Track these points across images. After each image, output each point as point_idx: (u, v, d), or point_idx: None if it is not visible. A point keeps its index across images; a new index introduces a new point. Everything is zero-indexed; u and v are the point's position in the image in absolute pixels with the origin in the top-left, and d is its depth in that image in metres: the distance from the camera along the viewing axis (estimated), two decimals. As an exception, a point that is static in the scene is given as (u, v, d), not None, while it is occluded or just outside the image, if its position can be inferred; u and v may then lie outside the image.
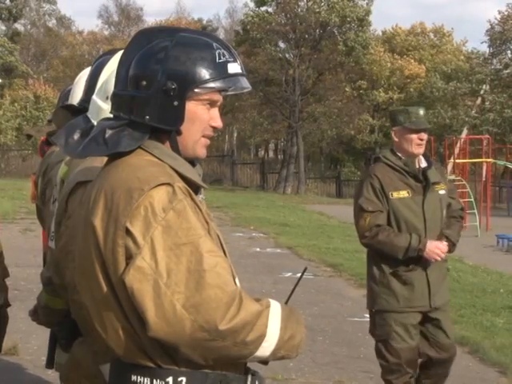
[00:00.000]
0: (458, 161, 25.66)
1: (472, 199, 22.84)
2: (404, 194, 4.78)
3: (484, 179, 27.48)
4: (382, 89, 46.73)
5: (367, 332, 8.30)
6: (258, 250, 15.44)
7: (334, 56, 40.07)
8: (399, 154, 4.88)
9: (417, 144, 4.82)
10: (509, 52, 40.54)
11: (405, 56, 48.17)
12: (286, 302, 2.26)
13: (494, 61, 41.06)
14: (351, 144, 47.55)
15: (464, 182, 23.49)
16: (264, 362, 2.17)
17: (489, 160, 25.98)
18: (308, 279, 11.54)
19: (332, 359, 7.11)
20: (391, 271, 4.78)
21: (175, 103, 2.15)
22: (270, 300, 2.16)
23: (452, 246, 4.89)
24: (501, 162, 30.66)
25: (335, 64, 40.81)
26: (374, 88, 46.46)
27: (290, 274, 11.47)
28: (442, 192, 4.89)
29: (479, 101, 41.82)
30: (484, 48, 44.79)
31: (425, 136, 4.87)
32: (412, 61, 47.74)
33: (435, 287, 4.81)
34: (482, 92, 41.46)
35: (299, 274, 2.38)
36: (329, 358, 7.13)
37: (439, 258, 4.74)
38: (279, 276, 11.58)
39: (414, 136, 4.82)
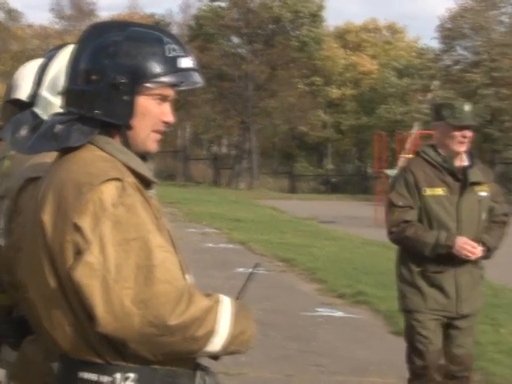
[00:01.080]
0: (409, 156, 25.89)
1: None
2: (439, 191, 4.54)
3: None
4: (335, 85, 46.97)
5: (319, 326, 8.38)
6: (210, 245, 15.43)
7: (287, 51, 40.20)
8: (439, 151, 4.61)
9: (459, 142, 4.54)
10: (458, 48, 41.04)
11: (358, 52, 48.50)
12: (237, 298, 2.27)
13: (445, 57, 41.55)
14: (304, 139, 47.72)
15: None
16: (214, 357, 2.17)
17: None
18: (261, 274, 11.57)
19: (283, 353, 7.14)
20: (419, 270, 4.56)
21: (125, 98, 2.14)
22: (221, 295, 2.16)
23: (487, 252, 4.56)
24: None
25: (288, 59, 40.95)
26: (327, 84, 46.67)
27: (242, 269, 11.49)
28: (482, 194, 4.61)
29: (430, 96, 42.27)
30: (435, 44, 45.24)
31: (469, 134, 4.56)
32: (365, 57, 48.10)
33: (464, 293, 4.55)
34: (432, 88, 41.92)
35: (251, 270, 2.38)
36: (280, 352, 7.16)
37: (470, 255, 4.44)
38: (232, 271, 11.59)
39: (457, 133, 4.53)
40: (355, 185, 44.04)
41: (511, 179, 39.29)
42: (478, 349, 7.03)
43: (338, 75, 47.07)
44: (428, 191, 4.53)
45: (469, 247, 4.43)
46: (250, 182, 41.05)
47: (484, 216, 4.61)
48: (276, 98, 41.78)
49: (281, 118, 42.45)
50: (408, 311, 4.64)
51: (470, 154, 4.67)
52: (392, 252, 16.43)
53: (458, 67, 41.10)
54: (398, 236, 4.58)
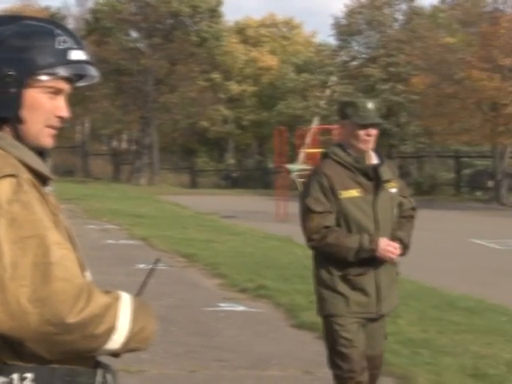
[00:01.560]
0: (309, 150, 26.21)
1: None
2: (354, 193, 4.45)
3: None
4: (235, 80, 47.10)
5: (221, 321, 8.41)
6: (111, 241, 15.27)
7: (186, 46, 40.09)
8: (348, 150, 4.53)
9: (364, 140, 4.47)
10: (355, 44, 41.75)
11: (258, 47, 48.75)
12: (137, 294, 2.25)
13: (342, 53, 42.21)
14: (205, 135, 47.70)
15: (315, 172, 24.02)
16: (114, 354, 2.15)
17: (338, 150, 26.68)
18: (162, 270, 11.52)
19: (186, 349, 7.13)
20: (340, 274, 4.46)
21: (12, 90, 2.11)
22: (120, 292, 2.14)
23: (404, 249, 4.58)
24: (349, 152, 31.61)
25: (188, 54, 40.84)
26: (227, 79, 46.76)
27: (143, 265, 11.41)
28: (393, 190, 4.59)
29: (328, 92, 42.88)
30: (332, 40, 45.85)
31: (373, 131, 4.50)
32: (265, 52, 48.40)
33: (384, 292, 4.53)
34: (330, 83, 42.53)
35: (151, 266, 2.37)
36: (182, 348, 7.15)
37: (394, 257, 4.45)
38: (133, 267, 11.50)
39: (362, 131, 4.46)
40: (256, 180, 44.30)
41: (408, 173, 40.27)
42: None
43: (238, 71, 47.22)
44: (343, 194, 4.44)
45: (391, 248, 4.42)
46: (151, 178, 40.77)
47: (395, 212, 4.61)
48: (176, 93, 41.61)
49: (181, 113, 42.31)
50: (329, 315, 4.53)
51: (378, 151, 4.64)
52: (293, 246, 16.67)
53: (355, 63, 41.81)
54: (319, 243, 4.46)
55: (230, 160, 48.17)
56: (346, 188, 4.45)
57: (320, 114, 40.29)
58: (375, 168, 4.53)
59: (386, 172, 4.57)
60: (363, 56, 41.53)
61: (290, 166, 25.14)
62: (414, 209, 4.76)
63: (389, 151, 40.00)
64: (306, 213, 4.51)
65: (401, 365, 6.56)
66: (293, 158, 29.35)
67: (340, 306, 4.46)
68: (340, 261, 4.45)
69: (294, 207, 24.84)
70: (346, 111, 4.52)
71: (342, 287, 4.46)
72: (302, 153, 27.40)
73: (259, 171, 46.19)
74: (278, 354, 6.97)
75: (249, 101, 47.45)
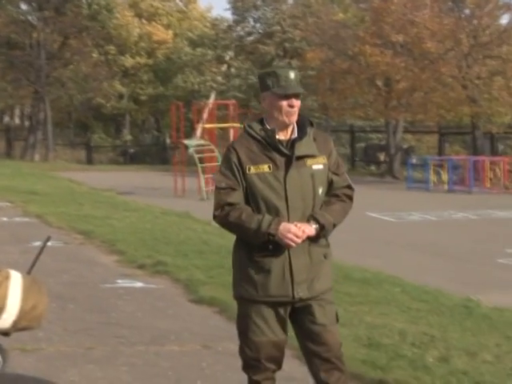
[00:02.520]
0: (206, 125, 26.16)
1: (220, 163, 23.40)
2: (264, 168, 4.16)
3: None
4: (129, 54, 46.46)
5: (119, 298, 8.33)
6: (4, 219, 14.91)
7: (79, 20, 39.25)
8: (267, 124, 4.25)
9: (287, 112, 4.18)
10: (251, 20, 41.77)
11: (152, 22, 48.18)
12: (29, 272, 2.18)
13: (238, 28, 42.18)
14: (100, 110, 46.97)
15: (212, 147, 24.02)
16: (5, 333, 2.09)
17: (235, 125, 26.74)
18: (58, 247, 11.33)
19: (83, 326, 7.03)
20: (247, 255, 4.19)
21: None
22: (10, 270, 2.08)
23: (321, 230, 4.17)
24: (246, 127, 31.68)
25: (80, 28, 40.00)
26: (122, 53, 46.09)
27: (38, 243, 11.17)
28: (316, 167, 4.22)
29: (225, 67, 42.82)
30: (228, 15, 45.79)
31: (296, 102, 4.20)
32: (159, 26, 47.88)
33: (300, 276, 4.16)
34: (227, 58, 42.48)
35: (41, 243, 2.30)
36: (80, 326, 7.05)
37: (293, 244, 4.07)
38: (27, 245, 11.26)
39: (284, 102, 4.17)
40: (154, 155, 43.97)
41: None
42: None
43: (133, 44, 46.58)
44: (252, 169, 4.17)
45: (291, 236, 4.05)
46: (45, 154, 39.93)
47: (321, 191, 4.23)
48: (69, 67, 40.75)
49: (75, 88, 41.50)
50: (240, 299, 4.26)
51: (303, 124, 4.29)
52: (191, 221, 16.64)
53: (251, 38, 41.85)
54: (221, 220, 4.22)
55: (127, 136, 47.60)
56: (256, 163, 4.17)
57: (217, 89, 40.27)
58: (293, 142, 4.21)
59: (306, 147, 4.22)
60: (259, 32, 41.59)
61: (187, 142, 25.04)
62: (349, 187, 4.37)
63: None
64: (215, 189, 4.31)
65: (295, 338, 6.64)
66: (190, 134, 29.25)
67: (249, 290, 4.18)
68: (246, 240, 4.18)
69: (192, 183, 25.00)
70: (266, 82, 4.23)
71: (249, 269, 4.18)
72: (199, 128, 27.31)
73: (156, 147, 45.84)
74: (176, 330, 6.96)
75: (144, 75, 46.92)
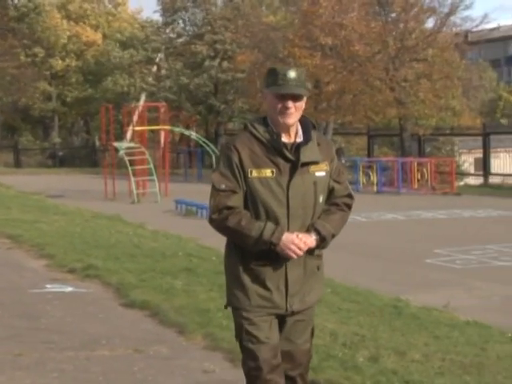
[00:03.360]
0: (136, 128, 25.98)
1: (151, 166, 23.29)
2: (267, 172, 3.91)
3: (162, 146, 28.11)
4: (58, 56, 45.80)
5: (49, 303, 8.20)
6: None
7: (6, 21, 38.55)
8: (271, 125, 4.00)
9: (282, 113, 3.93)
10: (181, 21, 41.59)
11: (81, 23, 47.59)
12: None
13: (168, 30, 41.96)
14: (28, 112, 46.18)
15: (143, 149, 23.87)
16: None
17: (166, 127, 26.62)
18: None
19: (11, 332, 6.91)
20: (242, 262, 3.98)
21: None
22: None
23: (322, 242, 4.00)
24: (177, 129, 31.56)
25: (7, 29, 39.29)
26: (51, 55, 45.40)
27: (-35, 248, 10.92)
28: (319, 174, 4.00)
29: (155, 68, 42.56)
30: (158, 17, 45.47)
31: (292, 104, 3.92)
32: (88, 28, 47.33)
33: (294, 288, 3.99)
34: (157, 60, 42.23)
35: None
36: (8, 332, 6.92)
37: (294, 256, 3.89)
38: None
39: (279, 103, 3.93)
40: (83, 158, 43.45)
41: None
42: (207, 315, 7.25)
43: (62, 46, 45.93)
44: (254, 173, 3.91)
45: (294, 247, 3.87)
46: (-28, 158, 39.12)
47: (322, 199, 4.04)
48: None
49: (2, 90, 40.74)
50: (234, 308, 4.06)
51: (307, 127, 4.04)
52: (122, 224, 16.49)
53: (181, 40, 41.69)
54: (219, 225, 3.94)
55: (56, 138, 46.89)
56: (259, 166, 3.91)
57: (147, 90, 39.99)
58: (297, 146, 3.96)
59: (311, 152, 3.98)
60: (189, 33, 41.47)
61: (117, 144, 24.83)
62: (349, 196, 4.17)
63: (217, 128, 40.32)
64: (211, 189, 4.00)
65: (229, 339, 6.65)
66: (120, 136, 28.99)
67: (242, 299, 3.99)
68: (242, 247, 3.98)
69: (122, 185, 24.76)
70: (267, 79, 4.00)
71: (244, 277, 3.98)
72: (130, 130, 27.10)
73: (86, 149, 45.28)
74: (107, 334, 6.88)
75: (73, 77, 46.32)
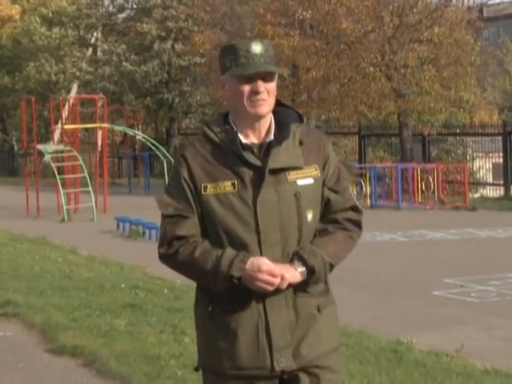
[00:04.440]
0: (66, 126, 25.89)
1: (86, 174, 23.20)
2: (226, 186, 3.66)
3: (100, 149, 28.05)
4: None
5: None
6: None
7: None
8: (232, 121, 3.77)
9: (251, 100, 3.68)
10: (125, -8, 41.62)
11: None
12: None
13: (106, 2, 41.90)
14: None
15: (75, 154, 23.77)
16: None
17: (104, 125, 26.56)
18: None
19: None
20: (208, 310, 3.72)
21: None
22: None
23: (311, 275, 3.66)
24: (119, 128, 31.49)
25: None
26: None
27: None
28: (303, 182, 3.72)
29: (90, 51, 42.46)
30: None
31: (263, 86, 3.69)
32: (3, 0, 47.13)
33: (281, 339, 3.66)
34: (92, 41, 42.13)
35: None
36: None
37: (268, 287, 3.57)
38: None
39: (246, 87, 3.68)
40: (-1, 165, 43.31)
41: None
42: (158, 364, 7.22)
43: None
44: (210, 188, 3.68)
45: (264, 276, 3.55)
46: None
47: (311, 216, 3.73)
48: None
49: None
50: (203, 371, 3.81)
51: (283, 120, 3.79)
52: (49, 249, 16.40)
53: (123, 15, 41.65)
54: (169, 260, 3.73)
55: (-36, 140, 46.67)
56: (215, 179, 3.67)
57: (81, 79, 39.92)
58: (268, 147, 3.71)
59: (286, 154, 3.71)
60: (134, 7, 41.46)
61: (42, 147, 24.73)
62: (354, 209, 3.87)
63: (169, 126, 40.28)
64: (161, 216, 3.78)
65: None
66: (46, 137, 28.88)
67: (212, 359, 3.73)
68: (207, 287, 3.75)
69: (48, 199, 24.64)
70: (224, 62, 3.75)
71: (211, 329, 3.73)
72: (58, 130, 27.02)
73: (2, 154, 45.10)
74: (30, 389, 6.83)
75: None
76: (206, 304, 3.74)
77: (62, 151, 24.41)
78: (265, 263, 3.57)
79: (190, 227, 3.72)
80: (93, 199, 22.43)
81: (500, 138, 29.33)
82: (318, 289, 3.77)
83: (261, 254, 3.62)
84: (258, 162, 3.68)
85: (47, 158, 23.92)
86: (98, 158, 27.24)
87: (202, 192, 3.69)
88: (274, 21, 30.12)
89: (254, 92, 3.68)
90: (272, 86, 3.72)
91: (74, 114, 26.84)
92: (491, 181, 30.87)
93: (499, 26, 60.08)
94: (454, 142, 32.76)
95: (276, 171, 3.67)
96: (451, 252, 16.18)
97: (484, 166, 31.67)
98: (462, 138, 32.30)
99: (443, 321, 10.29)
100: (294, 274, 3.62)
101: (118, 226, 19.26)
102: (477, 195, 28.90)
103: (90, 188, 22.63)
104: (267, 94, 3.70)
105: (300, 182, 3.71)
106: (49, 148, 24.74)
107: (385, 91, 29.38)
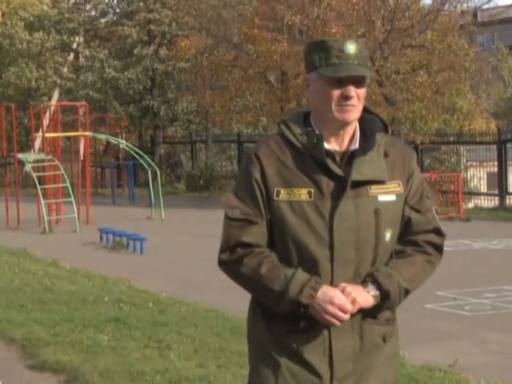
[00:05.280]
0: (47, 135, 25.85)
1: (68, 184, 23.16)
2: (301, 194, 3.45)
3: (82, 158, 27.99)
4: None
5: None
6: None
7: None
8: (314, 123, 3.57)
9: (340, 106, 3.47)
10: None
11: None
12: None
13: (88, 6, 41.86)
14: None
15: (57, 163, 23.74)
16: None
17: (87, 133, 26.52)
18: None
19: None
20: (267, 326, 3.55)
21: None
22: None
23: (385, 300, 3.48)
24: (102, 136, 31.47)
25: None
26: None
27: None
28: (385, 198, 3.52)
29: (72, 57, 42.42)
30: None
31: (355, 92, 3.50)
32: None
33: (344, 368, 3.51)
34: (74, 46, 42.10)
35: None
36: None
37: (336, 323, 3.40)
38: None
39: (335, 91, 3.47)
40: (-23, 174, 43.14)
41: (178, 163, 40.59)
42: (142, 380, 7.21)
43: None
44: (283, 194, 3.47)
45: (334, 310, 3.38)
46: None
47: (389, 236, 3.53)
48: None
49: None
50: None
51: (368, 128, 3.61)
52: (29, 261, 16.39)
53: (105, 19, 41.64)
54: (230, 269, 3.55)
55: None
56: (290, 185, 3.47)
57: (62, 86, 39.86)
58: (351, 157, 3.52)
59: (370, 166, 3.51)
60: (117, 11, 41.47)
61: (22, 156, 24.69)
62: (437, 232, 3.65)
63: (154, 134, 40.22)
64: (224, 217, 3.61)
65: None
66: (26, 145, 28.83)
67: (268, 378, 3.54)
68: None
69: (29, 210, 24.55)
70: (312, 58, 3.53)
71: (271, 348, 3.54)
72: (39, 138, 26.96)
73: (-19, 163, 44.92)
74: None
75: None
76: (266, 320, 3.56)
77: (43, 160, 24.37)
78: (337, 296, 3.38)
79: (257, 234, 3.51)
80: (75, 210, 22.38)
81: (495, 146, 29.37)
82: (385, 316, 3.60)
83: (332, 273, 3.45)
84: (340, 172, 3.47)
85: (28, 167, 23.89)
86: (80, 168, 27.18)
87: (275, 197, 3.48)
88: (261, 25, 30.13)
89: (345, 97, 3.48)
90: (363, 91, 3.54)
91: (55, 122, 26.79)
92: (485, 190, 30.89)
93: (494, 31, 60.28)
94: (448, 150, 32.81)
95: (358, 184, 3.47)
96: (444, 264, 16.05)
97: (478, 175, 31.71)
98: (456, 146, 32.34)
99: (436, 335, 10.31)
100: (366, 297, 3.44)
101: (101, 238, 19.23)
102: (471, 205, 28.93)
103: (72, 198, 22.58)
104: (357, 99, 3.52)
105: (381, 198, 3.52)
106: (29, 157, 24.71)
107: (375, 98, 29.41)
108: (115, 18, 40.99)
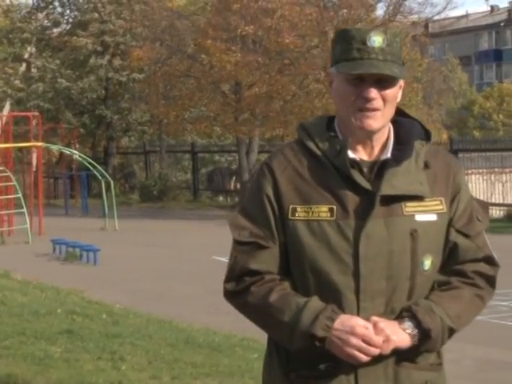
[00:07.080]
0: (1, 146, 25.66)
1: (20, 195, 22.99)
2: (321, 212, 2.94)
3: (35, 169, 27.81)
4: None
5: None
6: None
7: None
8: (337, 128, 3.08)
9: (359, 110, 2.96)
10: (58, 5, 41.34)
11: None
12: None
13: (41, 16, 41.63)
14: None
15: (9, 174, 23.56)
16: None
17: (39, 144, 26.36)
18: None
19: None
20: (283, 370, 3.03)
21: None
22: None
23: (425, 340, 2.91)
24: (54, 147, 31.29)
25: None
26: None
27: None
28: (423, 218, 2.97)
29: (24, 67, 42.18)
30: (28, 0, 45.07)
31: (374, 92, 2.94)
32: None
33: None
34: (26, 56, 41.87)
35: None
36: None
37: (361, 356, 2.83)
38: None
39: (353, 91, 2.97)
40: None
41: (131, 174, 40.52)
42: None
43: None
44: (299, 212, 2.97)
45: (356, 341, 2.82)
46: None
47: (429, 264, 2.99)
48: None
49: None
50: None
51: (404, 134, 3.08)
52: (12, 283, 16.12)
53: (58, 29, 41.46)
54: (237, 301, 3.06)
55: None
56: (307, 201, 2.97)
57: (13, 96, 39.60)
58: (381, 167, 3.00)
59: (406, 178, 2.97)
60: (70, 21, 41.29)
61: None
62: (488, 261, 3.08)
63: (108, 145, 40.09)
64: (232, 241, 3.10)
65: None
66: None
67: None
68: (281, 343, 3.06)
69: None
70: (335, 50, 3.04)
71: None
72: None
73: None
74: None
75: None
76: (283, 364, 3.03)
77: (-5, 172, 24.17)
78: (359, 325, 2.83)
79: (268, 260, 3.00)
80: (27, 221, 22.19)
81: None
82: (429, 360, 3.02)
83: (358, 307, 2.91)
84: (367, 185, 2.95)
85: (-21, 178, 23.67)
86: (32, 178, 27.01)
87: (290, 216, 2.97)
88: (215, 35, 30.14)
89: (363, 98, 2.95)
90: (391, 92, 2.97)
91: (6, 133, 26.61)
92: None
93: (445, 42, 60.80)
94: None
95: (390, 199, 2.94)
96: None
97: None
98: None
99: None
100: (401, 336, 2.87)
101: (54, 249, 19.08)
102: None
103: (25, 209, 22.41)
104: (382, 102, 2.96)
105: (419, 218, 2.97)
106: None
107: (329, 108, 29.51)
108: (68, 27, 40.79)
